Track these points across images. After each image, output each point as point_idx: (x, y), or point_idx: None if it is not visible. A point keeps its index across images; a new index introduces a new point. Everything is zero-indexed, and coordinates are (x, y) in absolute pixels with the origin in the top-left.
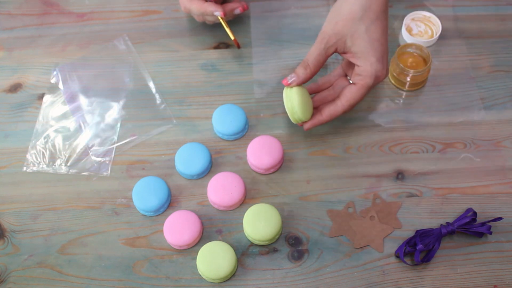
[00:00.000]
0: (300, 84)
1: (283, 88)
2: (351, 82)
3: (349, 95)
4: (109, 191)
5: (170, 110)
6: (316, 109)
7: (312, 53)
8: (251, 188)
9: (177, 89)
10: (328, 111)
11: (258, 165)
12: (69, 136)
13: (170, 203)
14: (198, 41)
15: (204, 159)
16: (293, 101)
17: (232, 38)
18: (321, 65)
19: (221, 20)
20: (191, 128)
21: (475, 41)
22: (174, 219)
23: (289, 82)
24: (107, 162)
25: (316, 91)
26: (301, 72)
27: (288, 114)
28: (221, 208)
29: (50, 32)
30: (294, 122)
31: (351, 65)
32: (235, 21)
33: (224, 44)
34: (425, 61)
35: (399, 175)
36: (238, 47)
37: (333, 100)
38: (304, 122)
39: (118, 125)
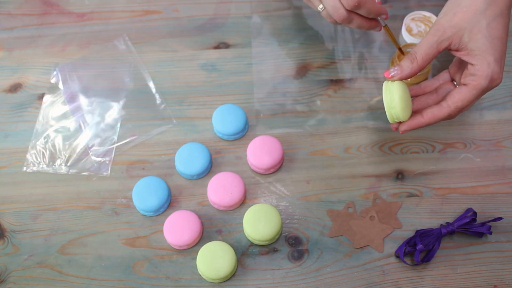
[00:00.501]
0: (404, 78)
1: (282, 88)
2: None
3: (457, 96)
4: (109, 191)
5: (170, 110)
6: (415, 112)
7: (422, 45)
8: (251, 188)
9: (177, 89)
10: (431, 113)
11: (258, 165)
12: (69, 136)
13: (170, 203)
14: (198, 41)
15: (204, 159)
16: (394, 95)
17: (398, 46)
18: (430, 61)
19: (387, 30)
20: (191, 128)
21: None
22: (174, 219)
23: (392, 75)
24: (107, 162)
25: (416, 94)
26: (406, 65)
27: (386, 110)
28: (221, 208)
29: (50, 32)
30: (390, 121)
31: (460, 68)
32: (234, 21)
33: (224, 44)
34: None
35: (399, 175)
36: (403, 53)
37: (436, 103)
38: (400, 123)
39: (118, 125)
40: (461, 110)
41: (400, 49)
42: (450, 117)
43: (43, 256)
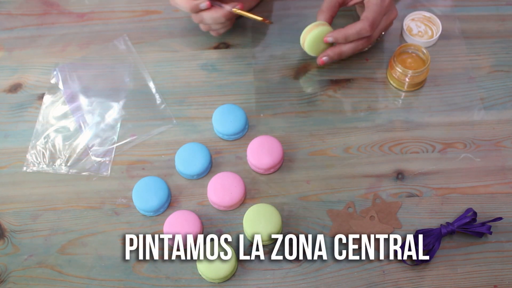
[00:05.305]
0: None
1: (282, 88)
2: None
3: (364, 12)
4: (109, 191)
5: (170, 110)
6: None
7: (325, 2)
8: (251, 188)
9: (177, 89)
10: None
11: (258, 165)
12: (69, 136)
13: (170, 203)
14: (198, 41)
15: (204, 159)
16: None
17: (260, 19)
18: (334, 11)
19: (238, 12)
20: (191, 128)
21: (475, 41)
22: (174, 219)
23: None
24: (107, 162)
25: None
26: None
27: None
28: (221, 208)
29: (50, 32)
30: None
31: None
32: (235, 22)
33: (224, 44)
34: (424, 61)
35: (399, 175)
36: (270, 22)
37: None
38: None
39: (118, 125)
40: (372, 23)
41: (263, 19)
42: (363, 29)
43: (43, 256)
